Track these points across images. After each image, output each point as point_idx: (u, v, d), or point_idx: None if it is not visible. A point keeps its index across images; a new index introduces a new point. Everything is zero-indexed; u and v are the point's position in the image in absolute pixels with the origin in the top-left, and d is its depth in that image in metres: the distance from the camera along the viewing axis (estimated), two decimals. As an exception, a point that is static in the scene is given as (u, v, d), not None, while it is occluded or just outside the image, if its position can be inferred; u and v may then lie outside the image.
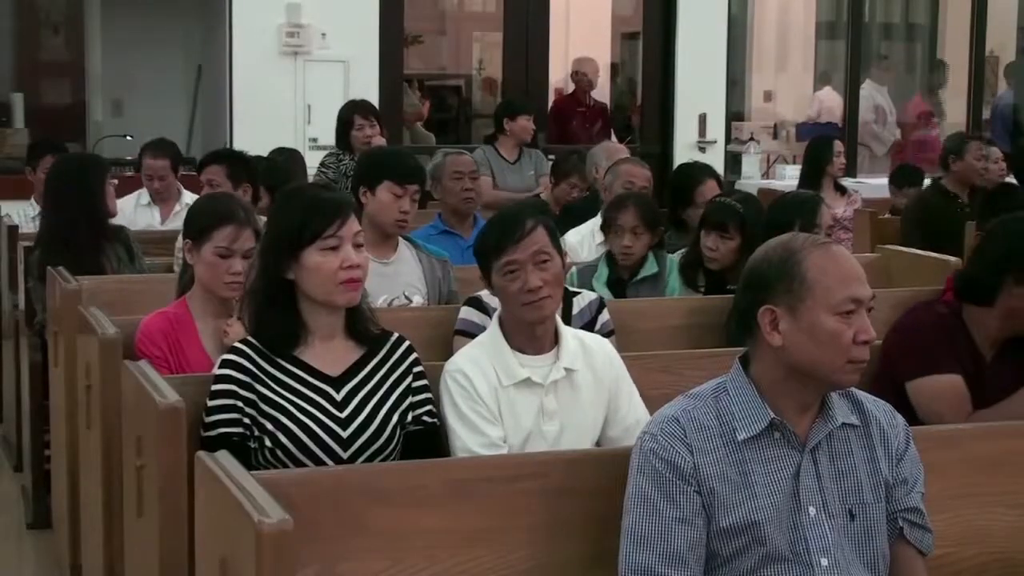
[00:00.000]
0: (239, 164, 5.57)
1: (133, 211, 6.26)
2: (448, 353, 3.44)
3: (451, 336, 3.82)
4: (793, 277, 2.45)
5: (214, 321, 3.56)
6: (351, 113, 6.98)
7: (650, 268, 4.71)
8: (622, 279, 4.69)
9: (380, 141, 6.85)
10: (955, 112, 11.66)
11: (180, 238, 4.01)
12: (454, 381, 3.10)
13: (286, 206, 3.04)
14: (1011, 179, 7.34)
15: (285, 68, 8.56)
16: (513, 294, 3.13)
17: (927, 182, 7.50)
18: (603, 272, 4.68)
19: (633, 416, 3.20)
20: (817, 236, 2.65)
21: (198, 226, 3.61)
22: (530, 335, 3.17)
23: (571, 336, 3.22)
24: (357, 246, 2.97)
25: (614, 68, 12.42)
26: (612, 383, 3.22)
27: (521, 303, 3.12)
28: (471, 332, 3.63)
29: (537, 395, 3.13)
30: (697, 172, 5.63)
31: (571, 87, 10.50)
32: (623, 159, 5.87)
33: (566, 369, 3.15)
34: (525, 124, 7.51)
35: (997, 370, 3.52)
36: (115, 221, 5.33)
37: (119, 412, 3.28)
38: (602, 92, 11.22)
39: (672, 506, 2.44)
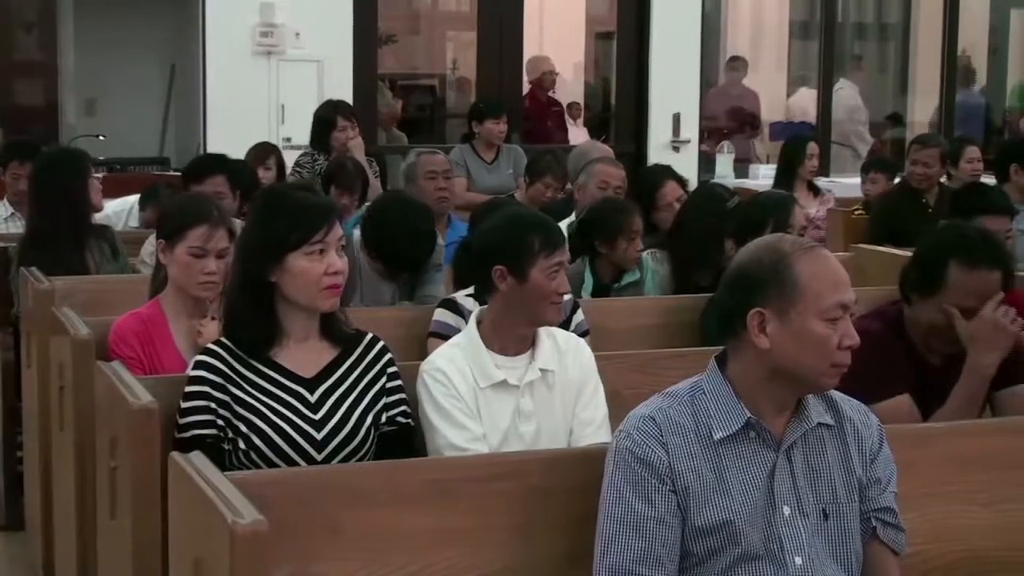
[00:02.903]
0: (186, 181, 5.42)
1: (122, 222, 6.22)
2: (422, 354, 3.43)
3: (425, 337, 3.82)
4: (784, 281, 2.44)
5: (188, 321, 3.55)
6: (332, 114, 6.94)
7: (634, 274, 4.67)
8: (607, 286, 4.62)
9: (359, 143, 6.83)
10: (927, 111, 11.70)
11: (151, 238, 4.00)
12: (433, 379, 3.09)
13: (271, 208, 2.99)
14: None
15: (259, 68, 8.53)
16: (551, 293, 3.16)
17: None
18: (589, 282, 4.58)
19: (596, 414, 3.21)
20: (804, 239, 2.64)
21: (172, 226, 3.59)
22: (522, 336, 3.18)
23: (545, 335, 3.23)
24: (340, 249, 2.97)
25: (588, 68, 12.42)
26: (582, 382, 3.22)
27: (551, 302, 3.17)
28: (445, 334, 3.62)
29: (513, 396, 3.13)
30: (657, 175, 5.51)
31: (541, 87, 10.49)
32: (597, 159, 5.84)
33: (541, 370, 3.16)
34: (491, 128, 7.52)
35: (949, 373, 3.42)
36: (99, 219, 5.29)
37: (92, 413, 3.26)
38: (576, 92, 11.20)
39: (647, 505, 2.44)
